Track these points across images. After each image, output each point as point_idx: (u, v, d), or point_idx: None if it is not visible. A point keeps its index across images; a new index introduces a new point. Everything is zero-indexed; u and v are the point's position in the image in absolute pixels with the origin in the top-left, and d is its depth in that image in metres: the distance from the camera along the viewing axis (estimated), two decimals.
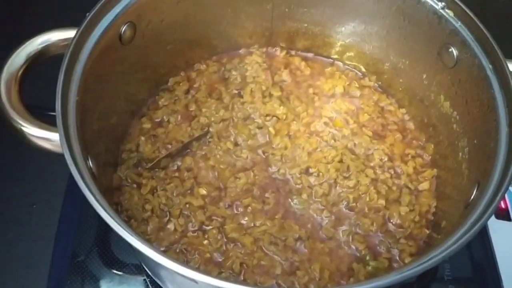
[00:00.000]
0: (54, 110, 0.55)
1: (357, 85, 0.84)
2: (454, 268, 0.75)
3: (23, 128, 0.57)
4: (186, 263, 0.66)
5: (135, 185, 0.72)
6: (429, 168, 0.76)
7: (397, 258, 0.68)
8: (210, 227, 0.69)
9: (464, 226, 0.51)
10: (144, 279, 0.74)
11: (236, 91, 0.81)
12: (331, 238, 0.69)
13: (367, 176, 0.73)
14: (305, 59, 0.86)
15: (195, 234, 0.68)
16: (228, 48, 0.86)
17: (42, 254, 0.77)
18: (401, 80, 0.81)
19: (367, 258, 0.67)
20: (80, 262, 0.75)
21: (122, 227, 0.49)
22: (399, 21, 0.74)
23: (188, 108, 0.79)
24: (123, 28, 0.66)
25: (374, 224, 0.69)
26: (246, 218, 0.69)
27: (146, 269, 0.72)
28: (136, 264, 0.74)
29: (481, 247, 0.78)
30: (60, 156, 0.55)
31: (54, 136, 0.56)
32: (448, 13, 0.67)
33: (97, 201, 0.50)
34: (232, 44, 0.86)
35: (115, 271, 0.74)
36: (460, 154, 0.68)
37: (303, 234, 0.68)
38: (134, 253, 0.75)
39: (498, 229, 0.80)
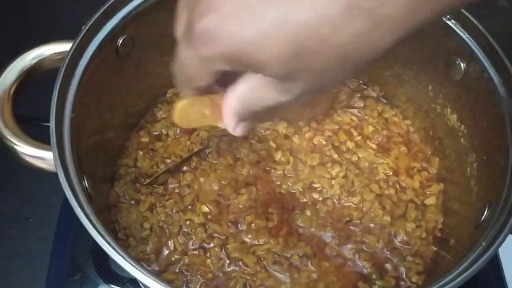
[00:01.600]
0: (49, 121, 0.53)
1: (360, 96, 0.82)
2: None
3: (16, 147, 0.55)
4: (186, 283, 0.64)
5: (133, 202, 0.70)
6: (435, 182, 0.74)
7: (404, 276, 0.66)
8: (212, 245, 0.66)
9: (475, 251, 0.49)
10: None
11: None
12: (336, 256, 0.66)
13: (371, 191, 0.71)
14: None
15: (196, 252, 0.66)
16: None
17: (37, 269, 0.76)
18: (405, 91, 0.79)
19: (374, 277, 0.65)
20: (77, 277, 0.73)
21: (117, 252, 0.47)
22: None
23: None
24: (120, 41, 0.64)
25: (380, 241, 0.67)
26: (249, 236, 0.67)
27: None
28: (134, 279, 0.72)
29: (488, 263, 0.76)
30: (55, 174, 0.54)
31: (48, 155, 0.54)
32: (455, 24, 0.65)
33: (92, 224, 0.48)
34: None
35: (113, 286, 0.72)
36: (469, 169, 0.66)
37: (308, 251, 0.66)
38: None
39: (505, 243, 0.78)
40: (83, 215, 0.48)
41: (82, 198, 0.51)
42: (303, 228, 0.68)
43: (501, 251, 0.77)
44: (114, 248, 0.47)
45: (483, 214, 0.56)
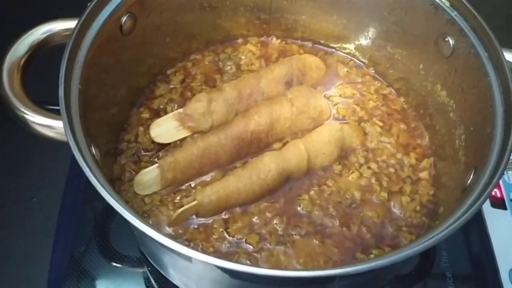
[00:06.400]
0: (55, 105, 0.55)
1: (356, 73, 0.84)
2: (452, 257, 0.76)
3: (26, 116, 0.57)
4: None
5: (135, 174, 0.72)
6: (426, 157, 0.76)
7: (400, 246, 0.68)
8: (215, 226, 0.68)
9: (461, 208, 0.51)
10: (144, 271, 0.74)
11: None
12: (338, 234, 0.68)
13: (369, 168, 0.73)
14: (302, 47, 0.87)
15: (198, 229, 0.67)
16: (225, 39, 0.87)
17: (42, 247, 0.76)
18: (398, 71, 0.82)
19: (371, 245, 0.67)
20: (80, 255, 0.75)
21: (128, 212, 0.49)
22: (396, 12, 0.75)
23: (184, 97, 0.79)
24: (124, 19, 0.67)
25: (379, 216, 0.70)
26: (256, 217, 0.69)
27: (147, 256, 0.71)
28: (136, 257, 0.75)
29: (477, 235, 0.79)
30: (61, 148, 0.55)
31: (57, 123, 0.56)
32: (444, 3, 0.68)
33: (102, 186, 0.50)
34: (230, 36, 0.87)
35: (115, 264, 0.74)
36: (457, 142, 0.69)
37: (311, 230, 0.68)
38: (134, 244, 0.75)
39: (494, 218, 0.81)
40: (93, 177, 0.50)
41: (90, 163, 0.53)
42: (306, 213, 0.70)
43: (493, 236, 0.79)
44: (125, 209, 0.49)
45: (469, 179, 0.59)
